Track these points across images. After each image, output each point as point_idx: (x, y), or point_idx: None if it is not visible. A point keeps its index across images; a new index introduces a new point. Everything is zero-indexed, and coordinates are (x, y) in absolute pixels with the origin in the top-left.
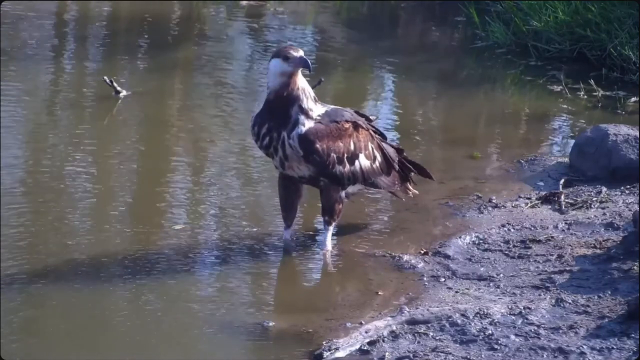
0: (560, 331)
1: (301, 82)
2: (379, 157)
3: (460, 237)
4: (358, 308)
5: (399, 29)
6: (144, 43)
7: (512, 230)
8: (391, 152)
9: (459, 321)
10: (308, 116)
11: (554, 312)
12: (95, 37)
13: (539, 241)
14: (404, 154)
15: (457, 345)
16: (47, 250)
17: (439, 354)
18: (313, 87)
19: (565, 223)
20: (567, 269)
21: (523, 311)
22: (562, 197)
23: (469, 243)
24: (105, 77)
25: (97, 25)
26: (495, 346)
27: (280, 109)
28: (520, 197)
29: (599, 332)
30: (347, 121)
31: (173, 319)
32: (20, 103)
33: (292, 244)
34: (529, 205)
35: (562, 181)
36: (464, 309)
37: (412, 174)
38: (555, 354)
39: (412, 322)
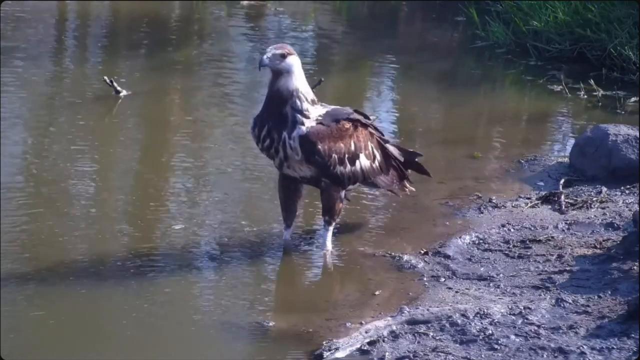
0: (560, 331)
1: (296, 82)
2: (378, 157)
3: (460, 237)
4: (358, 308)
5: (399, 29)
6: (144, 43)
7: (512, 230)
8: (392, 149)
9: (459, 321)
10: (305, 116)
11: (554, 312)
12: (95, 37)
13: (539, 241)
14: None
15: (457, 345)
16: (47, 249)
17: (439, 354)
18: (313, 87)
19: (565, 223)
20: (567, 269)
21: (523, 311)
22: (562, 197)
23: (469, 243)
24: (105, 77)
25: (97, 25)
26: (495, 346)
27: (275, 108)
28: (520, 197)
29: (599, 332)
30: (347, 121)
31: (173, 319)
32: (21, 103)
33: (292, 244)
34: (529, 205)
35: (562, 181)
36: (464, 309)
37: (410, 171)
38: (555, 354)
39: (412, 322)
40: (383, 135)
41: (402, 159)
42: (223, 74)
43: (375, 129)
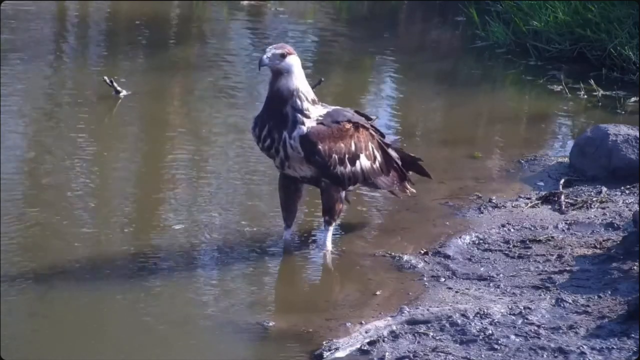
0: (560, 331)
1: (297, 82)
2: (379, 157)
3: (460, 237)
4: (358, 308)
5: (399, 29)
6: (144, 43)
7: (512, 230)
8: (391, 151)
9: (459, 321)
10: (306, 116)
11: (554, 312)
12: (95, 37)
13: (539, 241)
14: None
15: (457, 345)
16: (47, 250)
17: (439, 354)
18: (313, 87)
19: (565, 223)
20: (567, 269)
21: (523, 311)
22: (562, 197)
23: (469, 243)
24: (105, 77)
25: (97, 25)
26: (495, 346)
27: (275, 108)
28: (520, 197)
29: (599, 332)
30: (348, 122)
31: (173, 319)
32: (20, 103)
33: (292, 244)
34: (529, 205)
35: (562, 181)
36: (464, 309)
37: (411, 172)
38: (555, 354)
39: (412, 322)
40: (384, 137)
41: (400, 162)
42: (223, 74)
43: (376, 130)
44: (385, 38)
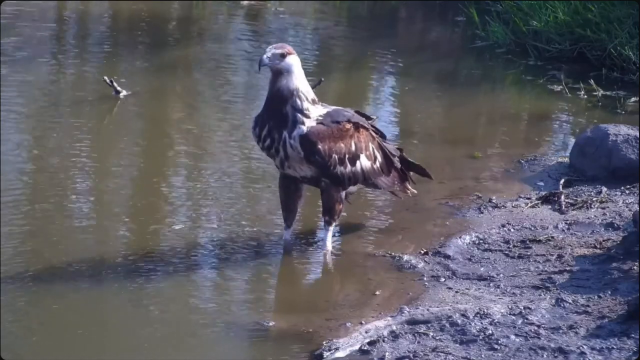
0: (560, 331)
1: (297, 82)
2: (379, 158)
3: (460, 237)
4: (358, 308)
5: (399, 29)
6: (144, 43)
7: (512, 230)
8: (392, 150)
9: (459, 321)
10: (306, 116)
11: (554, 312)
12: (95, 37)
13: (539, 241)
14: (403, 153)
15: (457, 345)
16: (47, 250)
17: (439, 354)
18: (313, 87)
19: (565, 223)
20: (567, 269)
21: (523, 311)
22: (562, 197)
23: (469, 243)
24: (105, 77)
25: (97, 24)
26: (495, 346)
27: (275, 108)
28: (520, 197)
29: (599, 332)
30: (348, 122)
31: (173, 319)
32: (20, 103)
33: (292, 244)
34: (529, 205)
35: (562, 181)
36: (464, 309)
37: (412, 173)
38: (555, 354)
39: (412, 322)
40: (385, 138)
41: (399, 165)
42: (223, 74)
43: (377, 130)
44: (386, 38)
